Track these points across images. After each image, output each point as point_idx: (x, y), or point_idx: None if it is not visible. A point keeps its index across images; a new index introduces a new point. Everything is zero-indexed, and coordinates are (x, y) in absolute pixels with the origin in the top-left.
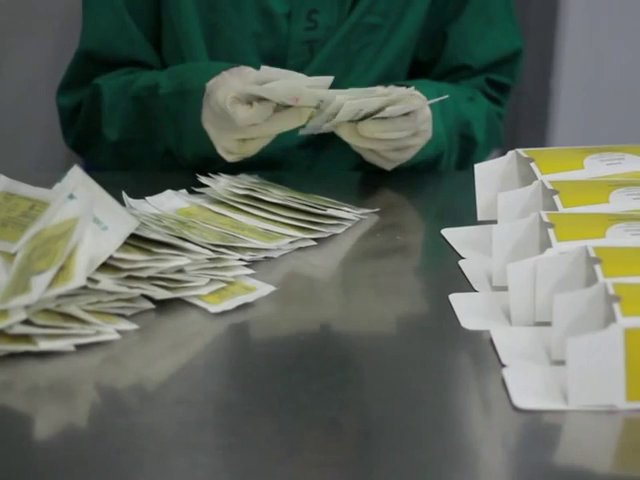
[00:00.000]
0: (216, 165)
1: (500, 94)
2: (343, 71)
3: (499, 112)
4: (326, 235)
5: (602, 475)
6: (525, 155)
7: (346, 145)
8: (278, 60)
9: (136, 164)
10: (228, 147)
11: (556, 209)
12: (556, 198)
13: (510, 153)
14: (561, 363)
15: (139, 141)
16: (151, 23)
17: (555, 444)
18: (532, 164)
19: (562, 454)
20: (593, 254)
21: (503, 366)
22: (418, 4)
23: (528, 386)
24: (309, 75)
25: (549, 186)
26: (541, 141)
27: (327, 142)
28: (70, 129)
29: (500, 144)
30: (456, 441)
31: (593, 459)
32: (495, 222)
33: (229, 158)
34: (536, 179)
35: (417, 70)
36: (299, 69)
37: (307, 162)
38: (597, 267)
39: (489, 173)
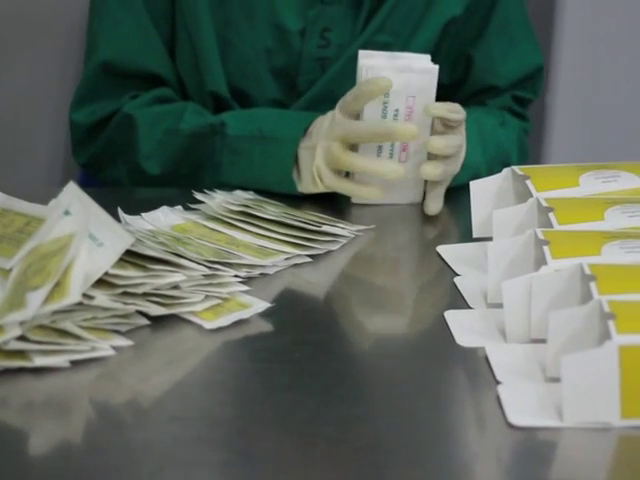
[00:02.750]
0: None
1: (524, 109)
2: None
3: (525, 128)
4: (321, 252)
5: None
6: (520, 172)
7: None
8: (289, 76)
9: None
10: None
11: (551, 226)
12: (551, 215)
13: (505, 170)
14: (556, 380)
15: (184, 175)
16: (168, 33)
17: (550, 461)
18: (527, 181)
19: (557, 471)
20: (588, 271)
21: (498, 383)
22: (430, 25)
23: (523, 403)
24: (320, 90)
25: (544, 203)
26: (537, 157)
27: None
28: (83, 147)
29: (527, 159)
30: (451, 458)
31: (588, 477)
32: (490, 239)
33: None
34: (531, 196)
35: (440, 93)
36: (309, 85)
37: None
38: (592, 284)
39: (484, 190)
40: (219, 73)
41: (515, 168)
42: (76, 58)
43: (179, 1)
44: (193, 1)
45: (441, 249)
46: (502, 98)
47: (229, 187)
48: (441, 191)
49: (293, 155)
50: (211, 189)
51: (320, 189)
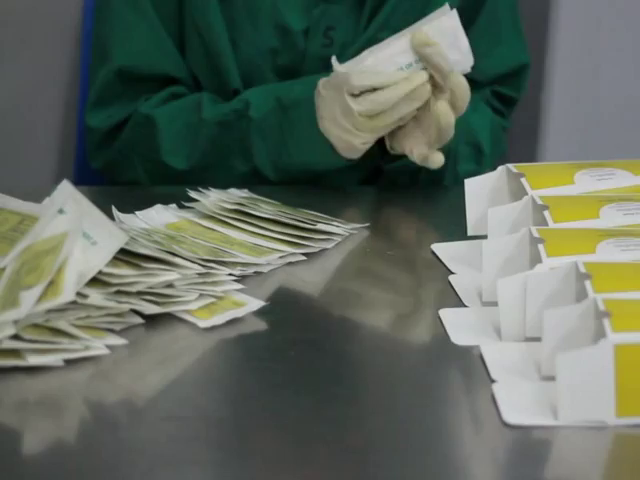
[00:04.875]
0: (302, 179)
1: (505, 107)
2: None
3: (503, 125)
4: (316, 250)
5: None
6: (515, 170)
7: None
8: (294, 76)
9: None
10: (357, 127)
11: (546, 224)
12: (546, 213)
13: (500, 168)
14: (551, 379)
15: (214, 165)
16: (177, 34)
17: (545, 460)
18: (522, 179)
19: (552, 470)
20: (583, 270)
21: (493, 382)
22: None
23: (518, 402)
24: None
25: (539, 201)
26: (531, 156)
27: None
28: (100, 152)
29: (503, 156)
30: (446, 457)
31: (583, 476)
32: (485, 237)
33: (357, 142)
34: (526, 194)
35: None
36: None
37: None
38: (587, 283)
39: (479, 188)
40: (235, 72)
41: (510, 166)
42: (72, 57)
43: (188, 2)
44: (202, 2)
45: (436, 247)
46: (481, 92)
47: (264, 170)
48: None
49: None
50: (207, 188)
51: (356, 134)
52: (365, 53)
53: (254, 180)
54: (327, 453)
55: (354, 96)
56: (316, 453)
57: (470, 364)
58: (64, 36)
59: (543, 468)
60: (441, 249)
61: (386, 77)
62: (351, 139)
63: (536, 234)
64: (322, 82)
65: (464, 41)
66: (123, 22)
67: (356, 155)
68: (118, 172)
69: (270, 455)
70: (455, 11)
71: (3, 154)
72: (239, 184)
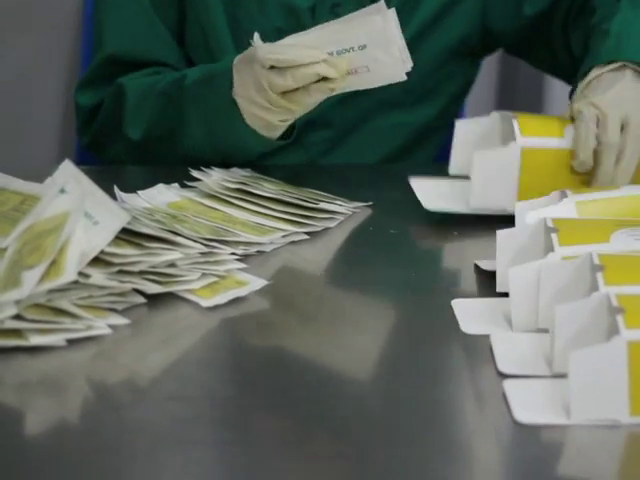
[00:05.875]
0: (238, 159)
1: None
2: None
3: None
4: (319, 229)
5: None
6: (509, 114)
7: (374, 136)
8: None
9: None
10: (270, 101)
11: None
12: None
13: (493, 113)
14: (563, 376)
15: (163, 139)
16: (174, 18)
17: (557, 459)
18: (514, 121)
19: (564, 469)
20: (597, 261)
21: (501, 374)
22: None
23: (529, 400)
24: None
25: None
26: (538, 107)
27: (353, 129)
28: (87, 128)
29: None
30: (450, 437)
31: (597, 475)
32: (465, 178)
33: (274, 119)
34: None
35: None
36: None
37: (327, 145)
38: (599, 275)
39: (469, 131)
40: (232, 52)
41: (503, 113)
42: (73, 41)
43: None
44: None
45: (413, 181)
46: None
47: (201, 147)
48: None
49: (229, 83)
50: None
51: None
52: (311, 29)
53: (200, 161)
54: (332, 431)
55: (271, 71)
56: (321, 431)
57: (479, 354)
58: (66, 20)
59: (555, 466)
60: (417, 183)
61: (297, 54)
62: (267, 116)
63: (550, 224)
64: (238, 57)
65: (397, 44)
66: (116, 7)
67: (275, 133)
68: (101, 148)
69: (273, 434)
70: (393, 10)
71: (6, 135)
72: (187, 163)
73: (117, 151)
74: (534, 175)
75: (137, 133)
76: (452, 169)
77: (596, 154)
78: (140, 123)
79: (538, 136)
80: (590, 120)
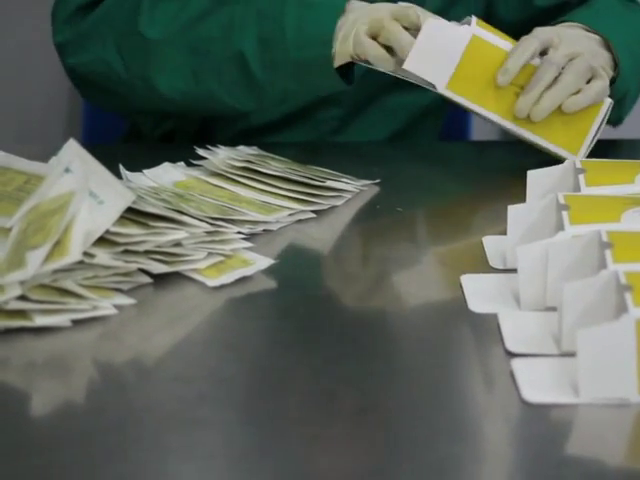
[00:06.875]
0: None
1: None
2: None
3: None
4: (325, 207)
5: (614, 469)
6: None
7: (382, 114)
8: None
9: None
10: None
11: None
12: (581, 177)
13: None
14: (571, 354)
15: (188, 45)
16: None
17: (565, 438)
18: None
19: (572, 448)
20: (606, 239)
21: (509, 352)
22: None
23: (537, 379)
24: None
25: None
26: None
27: (362, 108)
28: (69, 25)
29: None
30: (458, 416)
31: (606, 453)
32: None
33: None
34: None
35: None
36: None
37: (336, 123)
38: (607, 252)
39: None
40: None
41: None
42: None
43: None
44: None
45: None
46: None
47: (249, 58)
48: None
49: (335, 20)
50: (215, 145)
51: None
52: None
53: (230, 75)
54: (337, 411)
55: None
56: (326, 411)
57: (487, 332)
58: None
59: (563, 445)
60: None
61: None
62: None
63: (562, 200)
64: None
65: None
66: None
67: (341, 60)
68: (84, 48)
69: (279, 413)
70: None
71: (10, 114)
72: (208, 75)
73: (103, 53)
74: None
75: (156, 33)
76: None
77: (536, 70)
78: (164, 23)
79: None
80: (541, 40)
